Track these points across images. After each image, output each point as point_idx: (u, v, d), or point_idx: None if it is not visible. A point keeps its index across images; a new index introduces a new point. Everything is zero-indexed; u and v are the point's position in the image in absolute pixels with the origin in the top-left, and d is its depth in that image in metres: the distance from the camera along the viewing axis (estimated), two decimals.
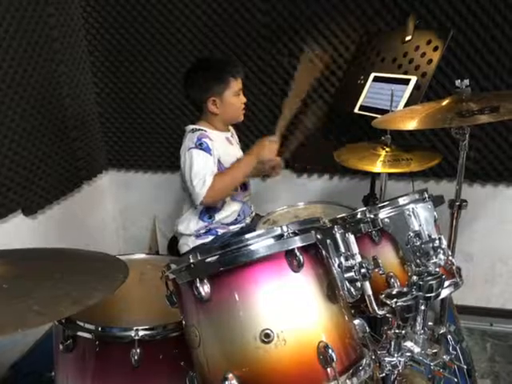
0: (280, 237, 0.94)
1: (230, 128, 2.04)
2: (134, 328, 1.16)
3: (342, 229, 1.06)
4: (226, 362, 0.93)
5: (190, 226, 1.93)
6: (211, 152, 1.81)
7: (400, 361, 1.11)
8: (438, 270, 1.12)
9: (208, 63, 1.95)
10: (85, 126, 2.56)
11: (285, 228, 0.94)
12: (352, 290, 0.99)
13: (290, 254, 0.93)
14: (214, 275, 0.94)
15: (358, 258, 1.02)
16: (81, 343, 1.21)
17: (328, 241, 1.01)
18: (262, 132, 2.51)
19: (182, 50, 2.47)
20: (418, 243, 1.17)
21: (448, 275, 1.23)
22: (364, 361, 0.96)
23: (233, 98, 1.86)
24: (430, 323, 1.22)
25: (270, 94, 2.44)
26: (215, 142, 1.85)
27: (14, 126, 2.06)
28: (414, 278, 1.08)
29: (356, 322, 1.04)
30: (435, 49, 1.77)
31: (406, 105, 1.77)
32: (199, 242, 1.92)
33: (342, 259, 1.02)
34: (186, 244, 1.94)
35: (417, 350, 1.11)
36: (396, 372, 1.12)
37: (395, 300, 1.05)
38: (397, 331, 1.09)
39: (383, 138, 1.81)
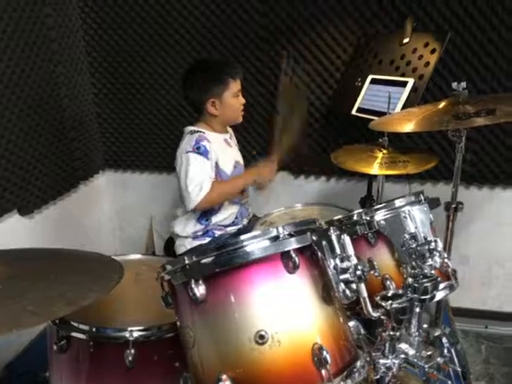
0: (276, 238, 0.94)
1: (229, 129, 2.03)
2: (129, 329, 1.16)
3: (337, 230, 1.06)
4: (221, 363, 0.93)
5: (187, 227, 1.92)
6: (209, 156, 1.80)
7: (394, 363, 1.11)
8: (433, 272, 1.12)
9: (206, 64, 1.95)
10: (82, 126, 2.56)
11: (280, 229, 0.94)
12: (347, 291, 0.99)
13: (285, 256, 0.93)
14: (209, 276, 0.94)
15: (354, 260, 1.02)
16: (75, 344, 1.21)
17: (324, 242, 1.01)
18: (260, 133, 2.51)
19: (179, 51, 2.47)
20: (414, 245, 1.17)
21: (443, 277, 1.24)
22: (358, 363, 0.96)
23: (232, 99, 1.85)
24: (425, 325, 1.22)
25: (268, 96, 2.45)
26: (213, 144, 1.84)
27: (11, 126, 2.05)
28: (410, 280, 1.09)
29: (351, 323, 1.04)
30: (433, 51, 1.77)
31: (404, 107, 1.78)
32: (196, 243, 1.92)
33: (338, 261, 1.02)
34: (183, 245, 1.94)
35: (411, 352, 1.11)
36: (390, 374, 1.12)
37: (390, 302, 1.05)
38: (391, 333, 1.10)
39: (380, 140, 1.82)
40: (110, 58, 2.57)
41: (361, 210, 1.23)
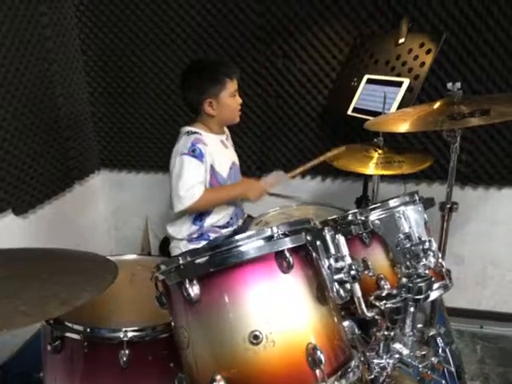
0: (270, 238, 0.93)
1: (225, 130, 2.03)
2: (123, 329, 1.16)
3: (332, 230, 1.06)
4: (215, 364, 0.93)
5: (182, 230, 1.91)
6: (203, 159, 1.80)
7: (389, 363, 1.11)
8: (427, 272, 1.12)
9: (203, 65, 1.94)
10: (77, 125, 2.55)
11: (275, 229, 0.94)
12: (341, 291, 0.99)
13: (279, 256, 0.93)
14: (203, 276, 0.93)
15: (348, 260, 1.02)
16: (69, 344, 1.20)
17: (318, 242, 1.01)
18: (256, 134, 2.51)
19: (175, 50, 2.47)
20: (408, 245, 1.18)
21: (438, 277, 1.24)
22: (353, 362, 0.96)
23: (229, 99, 1.85)
24: (419, 325, 1.22)
25: (265, 96, 2.45)
26: (209, 146, 1.84)
27: (5, 125, 2.04)
28: (404, 280, 1.09)
29: (345, 323, 1.04)
30: (428, 52, 1.78)
31: (399, 107, 1.78)
32: (191, 246, 1.90)
33: (332, 261, 1.02)
34: (178, 247, 1.93)
35: (405, 351, 1.11)
36: (385, 374, 1.12)
37: (384, 302, 1.06)
38: (386, 333, 1.10)
39: (376, 140, 1.82)
40: (105, 56, 2.56)
41: (355, 210, 1.23)
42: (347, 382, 0.93)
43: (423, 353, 1.11)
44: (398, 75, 1.86)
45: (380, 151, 1.81)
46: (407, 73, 1.82)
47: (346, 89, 2.13)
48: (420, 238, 1.21)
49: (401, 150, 1.83)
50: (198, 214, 1.90)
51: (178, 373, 1.05)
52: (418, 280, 1.07)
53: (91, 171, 2.73)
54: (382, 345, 1.12)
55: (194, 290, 0.92)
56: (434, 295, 1.20)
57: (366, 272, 1.06)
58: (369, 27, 2.21)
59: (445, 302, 2.24)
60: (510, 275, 2.44)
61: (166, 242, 2.06)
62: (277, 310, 0.92)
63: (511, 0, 2.01)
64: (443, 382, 1.26)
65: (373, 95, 1.94)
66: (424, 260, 1.14)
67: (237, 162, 2.03)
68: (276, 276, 0.93)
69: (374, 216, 1.21)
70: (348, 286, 1.01)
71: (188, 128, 1.87)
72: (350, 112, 2.03)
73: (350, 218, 1.23)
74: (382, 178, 2.10)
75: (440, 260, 1.23)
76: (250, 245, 0.92)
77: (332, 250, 1.04)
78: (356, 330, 1.06)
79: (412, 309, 1.11)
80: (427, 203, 1.31)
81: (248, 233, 0.95)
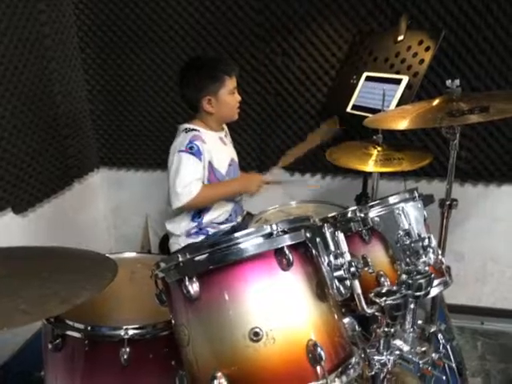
0: (269, 235, 0.93)
1: (224, 127, 2.03)
2: (124, 327, 1.16)
3: (331, 227, 1.06)
4: (215, 361, 0.93)
5: (181, 226, 1.92)
6: (201, 157, 1.80)
7: (389, 359, 1.11)
8: (427, 268, 1.12)
9: (201, 62, 1.94)
10: (76, 123, 2.55)
11: (274, 226, 0.94)
12: (341, 288, 0.99)
13: (279, 253, 0.93)
14: (203, 274, 0.93)
15: (348, 257, 1.03)
16: (70, 342, 1.20)
17: (317, 239, 1.01)
18: (255, 131, 2.51)
19: (174, 48, 2.46)
20: (408, 242, 1.18)
21: (437, 274, 1.24)
22: (353, 359, 0.96)
23: (228, 97, 1.85)
24: (420, 322, 1.22)
25: (264, 93, 2.44)
26: (208, 143, 1.84)
27: (4, 123, 2.04)
28: (404, 276, 1.09)
29: (346, 320, 1.04)
30: (427, 49, 1.78)
31: (398, 104, 1.78)
32: (190, 241, 1.92)
33: (332, 258, 1.02)
34: (177, 243, 1.94)
35: (406, 348, 1.11)
36: (385, 370, 1.12)
37: (384, 298, 1.05)
38: (386, 329, 1.10)
39: (375, 137, 1.82)
40: (103, 54, 2.55)
41: (355, 207, 1.23)
42: (348, 378, 0.93)
43: (423, 349, 1.11)
44: (397, 72, 1.86)
45: (379, 148, 1.80)
46: (406, 70, 1.82)
47: (345, 86, 2.13)
48: (420, 235, 1.21)
49: (400, 147, 1.83)
50: (197, 210, 1.90)
51: (178, 370, 1.06)
52: (418, 277, 1.07)
53: (90, 169, 2.73)
54: (382, 341, 1.12)
55: (194, 287, 0.92)
56: (433, 292, 1.20)
57: (366, 269, 1.05)
58: (368, 25, 2.21)
59: (445, 299, 2.25)
60: (510, 272, 2.44)
61: (166, 240, 2.06)
62: (277, 307, 0.92)
63: None
64: (444, 378, 1.26)
65: (372, 92, 1.93)
66: (424, 257, 1.14)
67: (236, 159, 2.03)
68: (276, 273, 0.93)
69: (374, 213, 1.21)
70: (348, 282, 1.01)
71: (186, 125, 1.87)
72: (349, 109, 2.03)
73: (349, 215, 1.22)
74: (382, 175, 2.10)
75: (440, 257, 1.23)
76: (249, 242, 0.92)
77: (332, 247, 1.04)
78: (356, 326, 1.06)
79: (412, 305, 1.11)
80: (427, 200, 1.31)
81: (247, 230, 0.95)
